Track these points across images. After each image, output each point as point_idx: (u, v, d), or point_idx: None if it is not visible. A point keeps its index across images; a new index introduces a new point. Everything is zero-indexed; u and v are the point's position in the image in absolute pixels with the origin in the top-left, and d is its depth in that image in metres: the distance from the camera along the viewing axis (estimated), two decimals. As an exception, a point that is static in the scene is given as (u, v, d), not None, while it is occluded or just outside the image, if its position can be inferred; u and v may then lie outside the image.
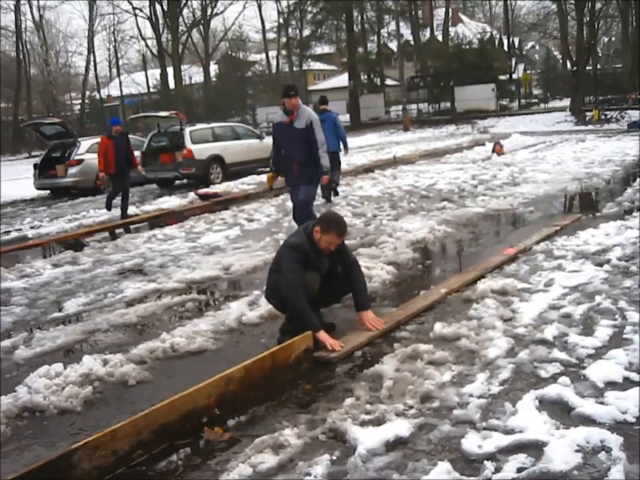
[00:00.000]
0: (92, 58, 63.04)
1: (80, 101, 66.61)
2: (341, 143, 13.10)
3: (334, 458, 3.57)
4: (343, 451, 3.64)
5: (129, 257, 9.48)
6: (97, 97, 68.47)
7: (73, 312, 6.97)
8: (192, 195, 16.09)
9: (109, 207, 14.29)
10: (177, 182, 19.81)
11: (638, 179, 12.59)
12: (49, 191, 20.42)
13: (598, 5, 39.67)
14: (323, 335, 5.08)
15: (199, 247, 9.85)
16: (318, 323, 5.18)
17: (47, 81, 53.72)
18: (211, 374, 4.39)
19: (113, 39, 65.39)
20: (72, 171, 19.13)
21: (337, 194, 13.21)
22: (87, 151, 19.46)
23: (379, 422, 3.89)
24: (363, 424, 3.88)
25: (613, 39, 71.82)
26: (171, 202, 15.47)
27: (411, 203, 12.04)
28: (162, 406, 3.94)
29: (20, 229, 13.53)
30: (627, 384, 4.13)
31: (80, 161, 19.17)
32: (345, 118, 47.97)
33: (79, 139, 20.41)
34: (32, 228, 13.52)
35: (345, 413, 4.02)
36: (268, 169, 7.85)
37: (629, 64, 45.08)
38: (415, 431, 3.77)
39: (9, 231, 13.37)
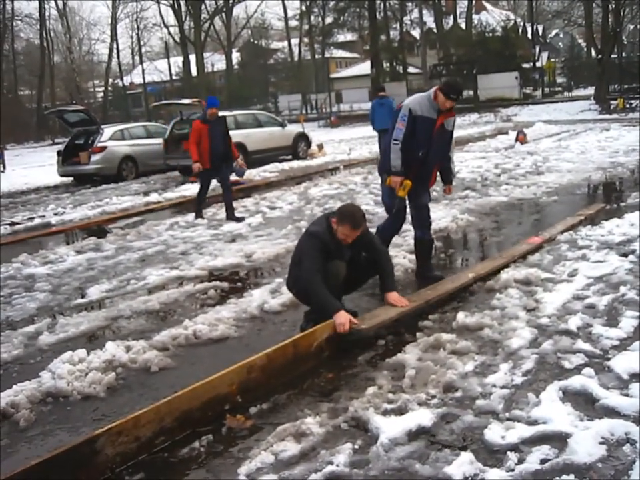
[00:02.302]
0: (115, 45, 63.38)
1: (103, 89, 67.03)
2: None
3: (356, 447, 3.57)
4: (365, 440, 3.63)
5: (152, 244, 9.52)
6: (120, 84, 68.74)
7: (96, 298, 7.01)
8: (214, 182, 16.07)
9: (199, 212, 11.38)
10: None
11: (664, 169, 12.43)
12: (72, 178, 20.54)
13: (624, -8, 39.13)
14: (339, 318, 4.96)
15: (221, 234, 9.87)
16: (336, 304, 5.11)
17: (70, 68, 54.07)
18: (233, 361, 4.40)
19: (135, 26, 65.68)
20: (95, 158, 19.22)
21: None
22: (109, 138, 19.62)
23: (401, 411, 3.88)
24: (385, 413, 3.87)
25: (639, 26, 70.77)
26: (193, 189, 15.46)
27: (434, 192, 11.93)
28: (184, 393, 3.95)
29: (43, 216, 13.63)
30: (652, 376, 4.08)
31: (103, 148, 19.29)
32: (367, 106, 47.88)
33: (102, 126, 20.51)
34: (55, 214, 13.61)
35: (367, 401, 4.01)
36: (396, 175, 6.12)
37: (655, 52, 44.52)
38: (437, 421, 3.75)
39: (33, 218, 13.48)
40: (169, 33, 61.99)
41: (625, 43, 60.09)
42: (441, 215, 9.45)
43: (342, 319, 4.93)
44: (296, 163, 19.48)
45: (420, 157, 6.28)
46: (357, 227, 5.21)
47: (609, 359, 4.38)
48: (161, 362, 5.02)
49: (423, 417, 3.76)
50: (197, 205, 11.46)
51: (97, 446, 3.49)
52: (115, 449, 3.56)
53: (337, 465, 3.39)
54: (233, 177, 16.56)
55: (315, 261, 5.12)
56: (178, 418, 3.87)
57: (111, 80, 67.07)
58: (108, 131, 20.07)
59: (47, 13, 56.70)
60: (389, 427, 3.64)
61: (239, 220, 10.65)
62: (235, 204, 11.39)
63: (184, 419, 3.89)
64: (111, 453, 3.54)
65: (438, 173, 6.71)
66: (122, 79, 68.80)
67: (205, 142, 10.63)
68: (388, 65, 52.52)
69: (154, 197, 14.64)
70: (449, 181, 6.81)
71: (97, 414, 4.32)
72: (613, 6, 37.91)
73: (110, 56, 64.52)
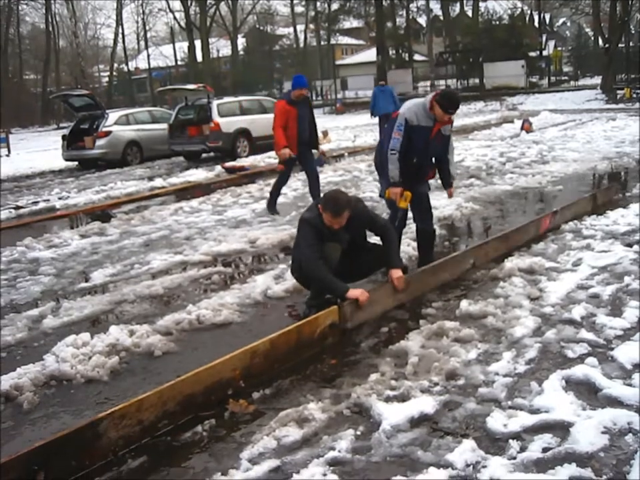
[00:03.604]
0: (120, 30, 62.98)
1: (108, 73, 66.77)
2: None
3: (358, 433, 3.58)
4: (367, 426, 3.64)
5: (156, 229, 9.52)
6: (125, 69, 68.44)
7: (100, 282, 7.02)
8: (218, 168, 16.12)
9: (272, 207, 10.11)
10: (204, 155, 19.83)
11: (670, 159, 12.38)
12: (76, 163, 20.50)
13: (632, -19, 38.90)
14: (352, 293, 5.07)
15: (225, 220, 9.87)
16: (343, 284, 5.17)
17: (76, 52, 53.75)
18: (236, 347, 4.41)
19: (141, 11, 65.30)
20: (100, 142, 19.22)
21: None
22: (114, 122, 19.60)
23: (403, 398, 3.89)
24: (388, 400, 3.88)
25: (647, 15, 70.27)
26: (197, 175, 15.50)
27: (438, 180, 11.91)
28: (187, 377, 3.96)
29: (48, 200, 13.62)
30: (655, 366, 4.08)
31: (108, 133, 19.27)
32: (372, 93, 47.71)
33: (107, 111, 20.51)
34: (60, 199, 13.61)
35: (370, 388, 4.02)
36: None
37: (662, 42, 44.28)
38: (439, 408, 3.76)
39: (37, 202, 13.48)
40: (175, 18, 61.66)
41: (633, 32, 59.67)
42: (445, 203, 9.40)
43: (356, 293, 5.05)
44: (301, 150, 19.40)
45: (415, 163, 6.26)
46: (338, 214, 5.15)
47: (612, 349, 4.39)
48: (164, 346, 5.03)
49: (425, 404, 3.77)
50: (273, 197, 10.10)
51: (100, 429, 3.50)
52: (118, 432, 3.58)
53: (339, 451, 3.40)
54: (238, 163, 16.67)
55: (312, 247, 5.15)
56: (181, 402, 3.88)
57: (116, 65, 66.82)
58: (113, 115, 20.05)
59: (52, -3, 56.51)
60: (391, 414, 3.66)
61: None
62: (239, 190, 11.35)
63: (187, 403, 3.91)
64: (113, 436, 3.56)
65: (437, 174, 6.70)
66: (127, 64, 68.50)
67: (292, 126, 9.31)
68: (394, 52, 52.27)
69: (158, 182, 14.63)
70: (448, 184, 6.76)
71: (100, 397, 4.34)
72: (621, -5, 37.67)
73: (115, 41, 64.26)
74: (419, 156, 6.24)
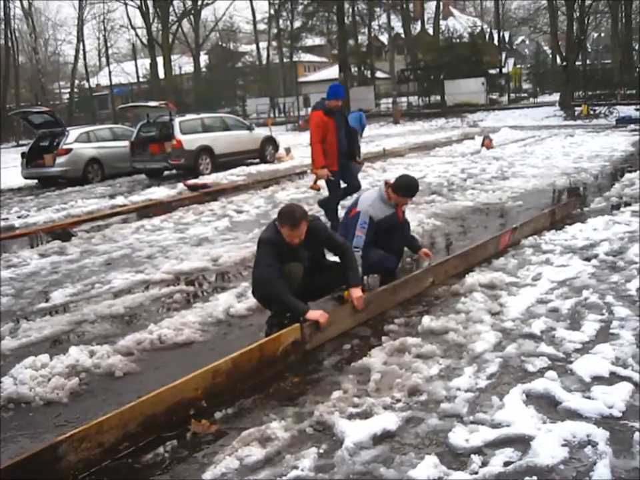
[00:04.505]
0: (81, 47, 62.53)
1: (69, 90, 66.13)
2: None
3: (321, 451, 3.57)
4: (330, 444, 3.64)
5: (117, 248, 9.43)
6: (86, 86, 67.99)
7: (60, 302, 6.93)
8: (181, 185, 16.03)
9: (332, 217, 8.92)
10: (166, 172, 19.72)
11: (626, 175, 12.62)
12: (36, 180, 20.26)
13: (588, 1, 39.79)
14: (312, 315, 5.08)
15: (187, 237, 9.82)
16: (303, 305, 5.19)
17: (36, 69, 53.26)
18: (199, 366, 4.37)
19: (102, 27, 65.07)
20: (60, 160, 19.00)
21: None
22: (75, 140, 19.40)
23: (366, 415, 3.89)
24: (351, 417, 3.88)
25: (603, 34, 72.02)
26: (159, 192, 15.39)
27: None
28: (148, 398, 3.92)
29: (7, 219, 13.41)
30: (613, 378, 4.15)
31: (68, 150, 19.06)
32: (334, 110, 47.89)
33: (68, 128, 20.31)
34: (19, 217, 13.42)
35: (333, 406, 4.02)
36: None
37: (617, 60, 45.36)
38: (402, 425, 3.77)
39: (-4, 220, 13.27)
40: (137, 35, 61.50)
41: (589, 50, 61.02)
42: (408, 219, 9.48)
43: (316, 314, 5.06)
44: (263, 167, 19.44)
45: (394, 244, 6.64)
46: (296, 226, 5.16)
47: (571, 362, 4.44)
48: (125, 367, 4.97)
49: (387, 420, 3.77)
50: (331, 216, 9.00)
51: (59, 452, 3.44)
52: (78, 455, 3.52)
53: (302, 470, 3.39)
54: (200, 180, 16.62)
55: (272, 267, 5.14)
56: (142, 423, 3.84)
57: (77, 81, 66.22)
58: (73, 133, 19.86)
59: (11, 13, 55.93)
60: (354, 431, 3.65)
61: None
62: (201, 207, 11.30)
63: (148, 424, 3.86)
64: (73, 460, 3.50)
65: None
66: (88, 81, 68.07)
67: (331, 139, 8.55)
68: (356, 69, 52.68)
69: (120, 200, 14.50)
70: (419, 247, 6.97)
71: (60, 420, 4.27)
72: (578, 14, 38.46)
73: (76, 57, 63.70)
74: (395, 238, 6.59)
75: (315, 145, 8.49)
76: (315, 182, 9.08)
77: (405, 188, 6.46)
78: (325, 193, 9.36)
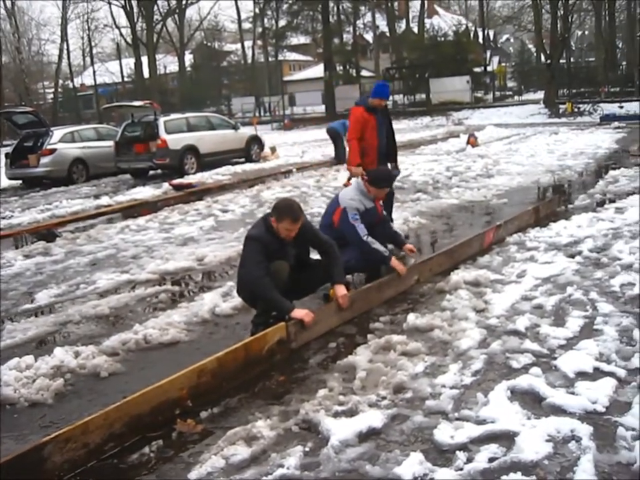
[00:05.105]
0: (65, 46, 62.18)
1: (53, 90, 65.78)
2: None
3: (307, 449, 3.57)
4: (315, 442, 3.64)
5: (102, 248, 9.40)
6: (70, 85, 67.66)
7: (45, 303, 6.90)
8: (166, 185, 15.98)
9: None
10: (151, 172, 19.67)
11: (610, 172, 12.71)
12: (20, 181, 20.18)
13: (572, -1, 40.00)
14: (297, 313, 5.08)
15: (172, 237, 9.80)
16: (289, 303, 5.19)
17: (19, 69, 52.96)
18: (184, 366, 4.36)
19: (86, 27, 64.67)
20: (44, 160, 18.91)
21: None
22: (59, 140, 19.31)
23: (351, 413, 3.90)
24: (336, 415, 3.88)
25: (587, 32, 72.38)
26: (144, 192, 15.34)
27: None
28: (134, 398, 3.91)
29: (-9, 220, 13.34)
30: (597, 374, 4.18)
31: (52, 151, 18.97)
32: (320, 109, 48.03)
33: (52, 128, 20.23)
34: (3, 218, 13.32)
35: (318, 404, 4.02)
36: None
37: (601, 57, 45.63)
38: (387, 422, 3.78)
39: (-20, 222, 13.19)
40: (121, 35, 61.16)
41: (573, 48, 61.32)
42: (393, 218, 9.50)
43: (301, 313, 5.06)
44: (249, 166, 19.41)
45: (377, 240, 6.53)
46: (297, 219, 5.23)
47: (555, 358, 4.46)
48: (111, 367, 4.96)
49: (373, 418, 3.78)
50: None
51: (45, 453, 3.43)
52: (63, 456, 3.51)
53: (288, 468, 3.39)
54: (185, 180, 16.57)
55: (259, 265, 5.13)
56: (127, 423, 3.83)
57: (61, 81, 65.88)
58: (58, 133, 19.77)
59: (-6, 13, 55.56)
60: (340, 429, 3.66)
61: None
62: (186, 207, 11.28)
63: (134, 424, 3.85)
64: (58, 461, 3.49)
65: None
66: (72, 81, 67.72)
67: (371, 136, 8.12)
68: (341, 68, 52.74)
69: (105, 200, 14.44)
70: (403, 242, 6.98)
71: (45, 421, 4.25)
72: (562, 12, 38.70)
73: (60, 57, 63.35)
74: (378, 234, 6.57)
75: (352, 141, 8.17)
76: (349, 179, 8.70)
77: (382, 179, 6.72)
78: None
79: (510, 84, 57.03)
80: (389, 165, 8.53)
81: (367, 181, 6.65)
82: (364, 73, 55.44)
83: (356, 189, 6.65)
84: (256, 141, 21.52)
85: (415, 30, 56.75)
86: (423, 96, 45.53)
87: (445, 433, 3.58)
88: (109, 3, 57.15)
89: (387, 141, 8.38)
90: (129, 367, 5.01)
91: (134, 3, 52.22)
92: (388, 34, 56.19)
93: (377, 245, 6.29)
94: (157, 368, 4.87)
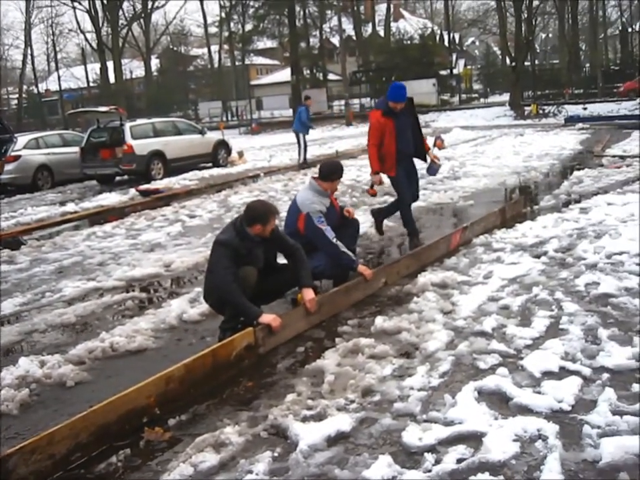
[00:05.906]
0: (29, 51, 61.65)
1: (17, 96, 65.09)
2: None
3: (275, 455, 3.56)
4: (284, 448, 3.64)
5: (68, 255, 9.30)
6: (35, 91, 66.95)
7: (10, 312, 6.80)
8: (132, 191, 15.85)
9: (416, 237, 8.48)
10: (117, 178, 19.48)
11: (574, 172, 12.87)
12: (-16, 189, 19.87)
13: (535, 2, 40.49)
14: (265, 318, 5.06)
15: (139, 244, 9.72)
16: (256, 308, 5.18)
17: (-18, 75, 52.32)
18: (151, 373, 4.33)
19: (50, 32, 64.19)
20: (8, 167, 18.63)
21: None
22: (24, 146, 19.07)
23: (320, 417, 3.90)
24: (305, 419, 3.88)
25: (550, 35, 73.34)
26: (111, 198, 15.19)
27: (353, 197, 12.10)
28: (100, 407, 3.87)
29: (-46, 228, 13.12)
30: (562, 373, 4.22)
31: (17, 157, 18.71)
32: (287, 113, 48.01)
33: (16, 135, 19.95)
34: (-34, 227, 13.13)
35: (287, 409, 4.02)
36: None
37: (565, 60, 46.31)
38: (356, 425, 3.79)
39: (-58, 230, 12.96)
40: (86, 39, 60.68)
41: (538, 51, 62.04)
42: (361, 221, 9.48)
43: (268, 318, 5.05)
44: (216, 171, 19.32)
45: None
46: (277, 213, 5.46)
47: (522, 358, 4.50)
48: (77, 376, 4.90)
49: (341, 422, 3.78)
50: (411, 226, 8.50)
51: (9, 465, 3.38)
52: (29, 467, 3.46)
53: (257, 474, 3.38)
54: (152, 185, 16.46)
55: (228, 270, 5.12)
56: (94, 433, 3.78)
57: (25, 87, 65.24)
58: (22, 139, 19.51)
59: (-44, 18, 54.92)
60: (308, 434, 3.66)
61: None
62: (153, 213, 11.19)
63: (100, 433, 3.81)
64: (24, 473, 3.44)
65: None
66: (37, 86, 67.01)
67: (390, 142, 7.90)
68: (308, 71, 52.87)
69: (70, 206, 14.28)
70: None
71: (10, 432, 4.19)
72: (526, 15, 39.14)
73: (24, 62, 62.73)
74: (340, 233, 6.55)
75: (371, 148, 8.01)
76: (372, 187, 8.53)
77: (332, 171, 6.72)
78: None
79: (476, 86, 57.56)
80: (427, 164, 8.57)
81: (317, 179, 6.66)
82: (331, 76, 55.61)
83: (309, 190, 6.63)
84: (223, 145, 21.45)
85: (382, 33, 57.10)
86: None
87: (413, 435, 3.59)
88: (74, 8, 56.77)
89: (414, 139, 8.15)
90: (96, 376, 4.96)
91: (99, 8, 51.83)
92: (354, 37, 56.43)
93: (345, 249, 6.28)
94: (124, 376, 4.82)
